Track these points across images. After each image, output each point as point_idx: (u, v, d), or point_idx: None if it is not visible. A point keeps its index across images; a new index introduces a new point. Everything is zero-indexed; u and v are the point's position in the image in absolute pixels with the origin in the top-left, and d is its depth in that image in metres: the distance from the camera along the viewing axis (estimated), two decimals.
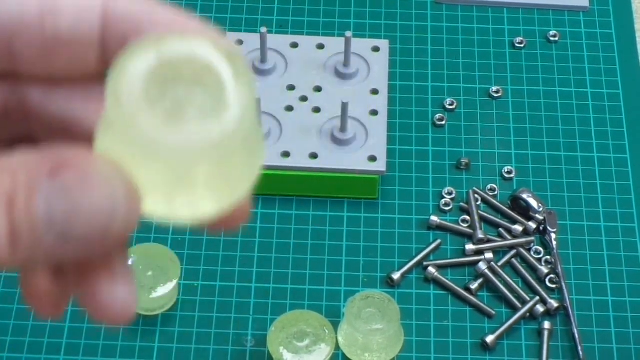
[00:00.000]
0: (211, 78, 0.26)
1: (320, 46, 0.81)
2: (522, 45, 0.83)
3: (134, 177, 0.27)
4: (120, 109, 0.26)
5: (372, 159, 0.74)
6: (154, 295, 0.68)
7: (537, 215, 0.74)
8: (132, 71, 0.26)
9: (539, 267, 0.73)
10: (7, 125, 0.30)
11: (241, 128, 0.26)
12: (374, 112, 0.77)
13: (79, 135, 0.29)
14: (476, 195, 0.76)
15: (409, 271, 0.73)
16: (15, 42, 0.28)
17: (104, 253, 0.28)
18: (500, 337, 0.70)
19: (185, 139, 0.26)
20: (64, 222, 0.25)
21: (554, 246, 0.73)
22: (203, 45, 0.27)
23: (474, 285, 0.72)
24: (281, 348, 0.66)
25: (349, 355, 0.69)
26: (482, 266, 0.72)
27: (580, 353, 0.69)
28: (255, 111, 0.27)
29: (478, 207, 0.75)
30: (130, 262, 0.28)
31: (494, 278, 0.72)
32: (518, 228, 0.74)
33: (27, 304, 0.31)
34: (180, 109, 0.26)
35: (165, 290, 0.68)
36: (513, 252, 0.74)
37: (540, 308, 0.71)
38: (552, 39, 0.84)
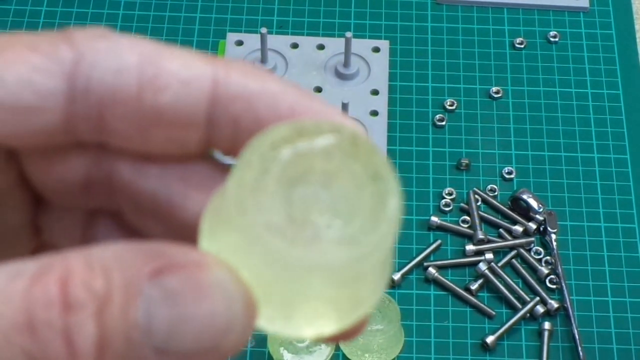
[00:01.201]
0: (356, 183, 0.23)
1: (321, 47, 0.81)
2: (522, 46, 0.84)
3: (250, 287, 0.23)
4: (244, 212, 0.22)
5: None
6: None
7: (537, 216, 0.74)
8: (262, 168, 0.22)
9: (539, 267, 0.73)
10: (90, 196, 0.27)
11: (382, 249, 0.22)
12: (374, 113, 0.78)
13: (172, 219, 0.26)
14: (476, 196, 0.75)
15: (409, 272, 0.72)
16: (108, 114, 0.24)
17: None
18: (500, 338, 0.70)
19: (316, 257, 0.22)
20: (166, 334, 0.21)
21: (554, 247, 0.73)
22: (353, 145, 0.23)
23: (474, 286, 0.72)
24: (281, 348, 0.66)
25: (349, 356, 0.69)
26: (482, 267, 0.72)
27: (581, 353, 0.69)
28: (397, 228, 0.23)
29: (478, 207, 0.75)
30: None
31: (494, 278, 0.72)
32: (518, 228, 0.74)
33: None
34: (310, 218, 0.22)
35: None
36: (513, 252, 0.74)
37: (540, 308, 0.70)
38: (552, 39, 0.84)
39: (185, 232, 0.26)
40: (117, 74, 0.24)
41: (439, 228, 0.74)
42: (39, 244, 0.28)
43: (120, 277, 0.21)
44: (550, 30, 0.84)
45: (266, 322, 0.23)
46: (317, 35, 0.83)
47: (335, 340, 0.26)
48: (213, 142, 0.26)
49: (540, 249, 0.73)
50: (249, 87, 0.25)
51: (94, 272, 0.21)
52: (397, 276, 0.72)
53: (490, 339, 0.69)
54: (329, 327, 0.24)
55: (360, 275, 0.23)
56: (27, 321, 0.21)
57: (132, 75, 0.24)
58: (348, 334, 0.25)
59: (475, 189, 0.76)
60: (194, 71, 0.25)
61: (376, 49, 0.81)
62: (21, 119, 0.24)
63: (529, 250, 0.73)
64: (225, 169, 0.26)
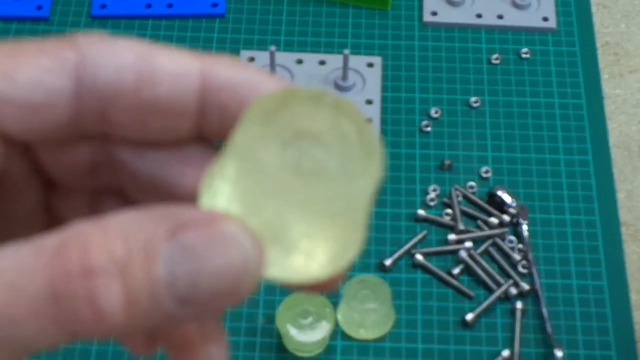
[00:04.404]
0: (346, 141, 0.23)
1: (322, 62, 0.81)
2: (498, 61, 0.83)
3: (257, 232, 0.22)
4: (253, 154, 0.22)
5: None
6: None
7: (511, 209, 0.74)
8: (264, 124, 0.22)
9: (512, 254, 0.73)
10: (95, 178, 0.27)
11: (371, 188, 0.23)
12: (369, 120, 0.78)
13: (170, 195, 0.26)
14: (457, 192, 0.76)
15: (399, 258, 0.73)
16: (110, 108, 0.24)
17: (219, 313, 0.24)
18: (478, 316, 0.70)
19: (320, 186, 0.22)
20: (187, 286, 0.21)
21: (525, 236, 0.73)
22: (333, 110, 0.23)
23: (455, 270, 0.72)
24: (288, 325, 0.66)
25: (346, 331, 0.69)
26: (463, 254, 0.72)
27: (548, 329, 0.69)
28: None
29: (459, 202, 0.75)
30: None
31: (473, 264, 0.72)
32: (494, 220, 0.74)
33: (122, 344, 0.28)
34: (312, 163, 0.22)
35: None
36: (490, 241, 0.74)
37: (513, 290, 0.71)
38: (524, 55, 0.84)
39: (184, 203, 0.25)
40: (117, 72, 0.24)
41: (425, 220, 0.74)
42: (50, 223, 0.28)
43: (138, 239, 0.21)
44: (522, 48, 0.84)
45: (269, 265, 0.23)
46: (319, 52, 0.83)
47: (315, 289, 0.25)
48: (203, 128, 0.25)
49: (513, 238, 0.73)
50: (234, 77, 0.25)
51: (111, 238, 0.21)
52: (388, 262, 0.71)
53: (469, 317, 0.69)
54: (319, 270, 0.24)
55: (352, 209, 0.23)
56: (51, 292, 0.20)
57: (130, 72, 0.24)
58: (327, 284, 0.25)
59: (456, 186, 0.76)
60: (184, 66, 0.24)
61: (370, 64, 0.81)
62: (33, 116, 0.24)
63: (503, 240, 0.73)
64: (214, 150, 0.26)
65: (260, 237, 0.22)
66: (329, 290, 0.25)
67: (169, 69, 0.24)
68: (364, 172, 0.23)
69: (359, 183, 0.23)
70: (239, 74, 0.25)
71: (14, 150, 0.25)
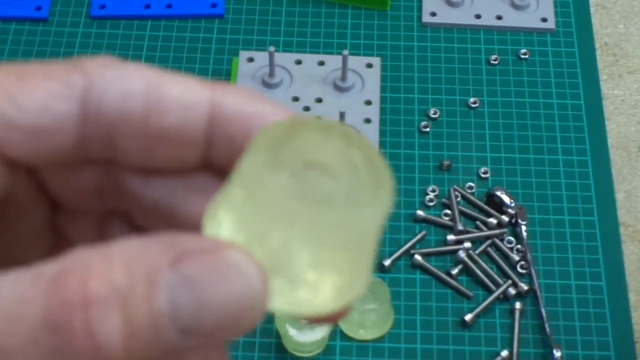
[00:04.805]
0: (355, 171, 0.22)
1: (321, 63, 0.81)
2: (497, 62, 0.83)
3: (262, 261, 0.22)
4: (260, 181, 0.21)
5: None
6: None
7: (509, 210, 0.74)
8: (272, 153, 0.22)
9: (511, 255, 0.73)
10: (102, 201, 0.27)
11: (379, 217, 0.22)
12: (368, 120, 0.77)
13: (176, 221, 0.26)
14: (456, 193, 0.76)
15: (398, 258, 0.73)
16: (117, 134, 0.24)
17: (224, 343, 0.23)
18: (477, 316, 0.70)
19: (327, 214, 0.21)
20: (190, 317, 0.20)
21: (524, 237, 0.73)
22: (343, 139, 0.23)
23: (454, 271, 0.72)
24: (287, 325, 0.66)
25: (346, 332, 0.69)
26: (462, 254, 0.72)
27: (547, 329, 0.69)
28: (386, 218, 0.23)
29: (458, 202, 0.75)
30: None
31: (472, 264, 0.72)
32: (493, 221, 0.74)
33: None
34: (320, 192, 0.22)
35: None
36: (488, 242, 0.73)
37: (512, 290, 0.71)
38: (522, 56, 0.84)
39: (189, 231, 0.24)
40: (125, 99, 0.24)
41: (424, 220, 0.74)
42: (57, 242, 0.28)
43: (141, 268, 0.20)
44: (521, 49, 0.84)
45: (274, 296, 0.22)
46: (318, 52, 0.83)
47: (321, 322, 0.24)
48: (211, 157, 0.25)
49: (512, 239, 0.73)
50: (243, 109, 0.24)
51: (113, 267, 0.20)
52: (387, 262, 0.71)
53: (468, 317, 0.69)
54: (327, 304, 0.23)
55: (360, 241, 0.23)
56: (49, 322, 0.20)
57: (139, 100, 0.24)
58: (337, 316, 0.24)
59: (455, 186, 0.76)
60: (194, 96, 0.24)
61: (369, 65, 0.81)
62: (39, 140, 0.24)
63: (502, 240, 0.73)
64: (220, 179, 0.25)
65: (265, 267, 0.22)
66: (333, 322, 0.24)
67: (178, 97, 0.24)
68: (373, 201, 0.22)
69: (367, 212, 0.22)
70: (248, 105, 0.24)
71: (19, 172, 0.25)
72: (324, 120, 0.23)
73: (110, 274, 0.20)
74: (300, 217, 0.21)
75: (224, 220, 0.23)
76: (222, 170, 0.25)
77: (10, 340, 0.20)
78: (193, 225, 0.25)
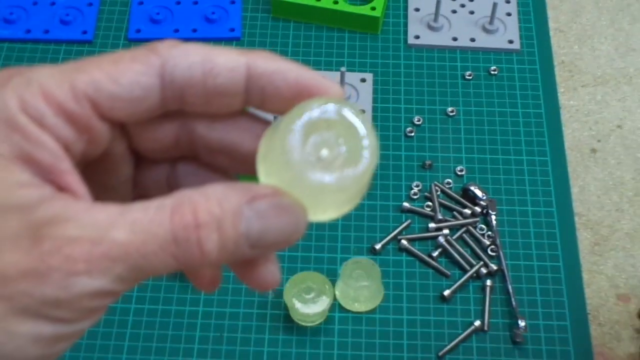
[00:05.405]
0: (351, 133, 0.27)
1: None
2: (470, 78, 0.83)
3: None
4: (286, 157, 0.26)
5: None
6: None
7: (481, 202, 0.74)
8: (295, 129, 0.26)
9: (483, 240, 0.73)
10: (177, 149, 0.31)
11: (368, 175, 0.27)
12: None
13: (235, 154, 0.30)
14: (436, 188, 0.76)
15: (387, 243, 0.73)
16: (185, 93, 0.28)
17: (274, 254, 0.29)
18: (454, 292, 0.70)
19: (332, 181, 0.26)
20: (258, 237, 0.26)
21: (494, 225, 0.73)
22: (345, 107, 0.27)
23: (435, 253, 0.72)
24: (293, 299, 0.67)
25: (343, 305, 0.69)
26: (441, 239, 0.72)
27: (513, 303, 0.69)
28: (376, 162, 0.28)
29: (438, 196, 0.75)
30: None
31: (449, 248, 0.72)
32: (467, 211, 0.74)
33: (191, 282, 0.32)
34: (327, 153, 0.26)
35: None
36: (464, 229, 0.73)
37: (483, 270, 0.71)
38: (492, 72, 0.83)
39: (244, 160, 0.30)
40: (189, 69, 0.28)
41: (409, 211, 0.74)
42: (136, 192, 0.32)
43: (229, 204, 0.26)
44: (491, 66, 0.83)
45: (309, 218, 0.27)
46: (319, 69, 0.82)
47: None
48: (249, 103, 0.29)
49: (484, 227, 0.73)
50: (269, 67, 0.28)
51: (211, 203, 0.25)
52: (378, 246, 0.71)
53: (446, 292, 0.69)
54: (331, 215, 0.28)
55: (357, 188, 0.27)
56: (173, 237, 0.25)
57: (198, 68, 0.28)
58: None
59: (435, 182, 0.76)
60: (235, 61, 0.28)
61: (363, 80, 0.81)
62: (134, 105, 0.27)
63: (475, 227, 0.73)
64: (258, 118, 0.30)
65: (303, 204, 0.27)
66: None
67: (224, 64, 0.28)
68: (362, 157, 0.27)
69: (362, 165, 0.26)
70: (273, 64, 0.28)
71: (117, 132, 0.29)
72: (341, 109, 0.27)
73: (210, 208, 0.25)
74: (312, 178, 0.26)
75: (270, 173, 0.27)
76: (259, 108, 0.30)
77: (148, 248, 0.25)
78: (248, 155, 0.29)
